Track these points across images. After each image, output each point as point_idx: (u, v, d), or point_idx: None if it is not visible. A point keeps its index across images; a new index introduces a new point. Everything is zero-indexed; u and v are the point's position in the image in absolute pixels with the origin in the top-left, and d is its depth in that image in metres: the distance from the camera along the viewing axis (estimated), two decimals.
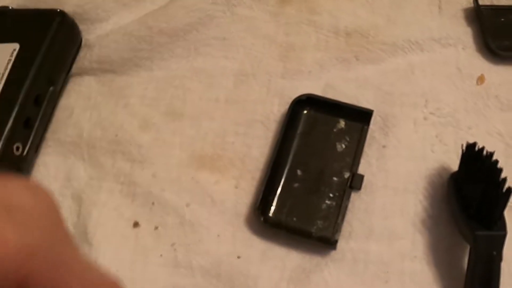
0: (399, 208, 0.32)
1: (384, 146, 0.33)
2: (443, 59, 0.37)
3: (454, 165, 0.32)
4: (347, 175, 0.31)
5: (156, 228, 0.32)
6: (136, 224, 0.33)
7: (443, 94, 0.36)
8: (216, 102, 0.36)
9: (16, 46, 0.38)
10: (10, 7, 0.42)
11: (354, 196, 0.32)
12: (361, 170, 0.32)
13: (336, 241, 0.30)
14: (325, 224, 0.30)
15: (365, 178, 0.32)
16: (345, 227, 0.31)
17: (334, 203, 0.30)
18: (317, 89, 0.37)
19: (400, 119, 0.34)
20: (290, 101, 0.34)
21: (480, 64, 0.36)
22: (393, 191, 0.32)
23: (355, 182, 0.31)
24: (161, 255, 0.32)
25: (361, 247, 0.31)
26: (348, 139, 0.32)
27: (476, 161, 0.29)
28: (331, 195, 0.31)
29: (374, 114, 0.33)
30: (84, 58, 0.40)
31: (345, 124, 0.32)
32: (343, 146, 0.32)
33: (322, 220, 0.30)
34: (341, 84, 0.36)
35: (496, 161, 0.28)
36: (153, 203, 0.34)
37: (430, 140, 0.34)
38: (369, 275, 0.31)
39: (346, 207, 0.30)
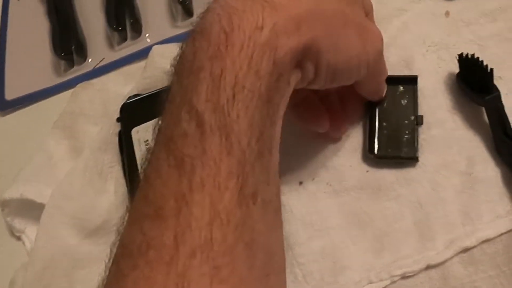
0: (439, 100, 0.49)
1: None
2: (421, 11, 0.54)
3: (456, 69, 0.49)
4: (413, 117, 0.48)
5: None
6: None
7: (430, 31, 0.53)
8: None
9: None
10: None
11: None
12: None
13: (417, 157, 0.47)
14: (409, 149, 0.47)
15: None
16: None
17: (410, 136, 0.48)
18: None
19: (415, 56, 0.51)
20: None
21: (443, 4, 0.54)
22: (431, 93, 0.50)
23: (419, 120, 0.48)
24: None
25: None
26: (407, 96, 0.49)
27: (467, 61, 0.47)
28: (407, 132, 0.48)
29: (399, 58, 0.52)
30: None
31: (403, 88, 0.49)
32: (406, 101, 0.49)
33: (406, 147, 0.48)
34: None
35: (476, 57, 0.46)
36: None
37: (435, 61, 0.51)
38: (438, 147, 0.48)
39: (417, 136, 0.48)
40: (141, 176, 0.32)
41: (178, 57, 0.33)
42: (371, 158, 0.49)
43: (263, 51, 0.31)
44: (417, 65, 0.52)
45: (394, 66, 0.51)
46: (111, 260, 0.31)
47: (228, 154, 0.29)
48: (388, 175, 0.49)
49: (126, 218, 0.31)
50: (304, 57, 0.34)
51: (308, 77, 0.36)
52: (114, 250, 0.31)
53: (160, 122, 0.32)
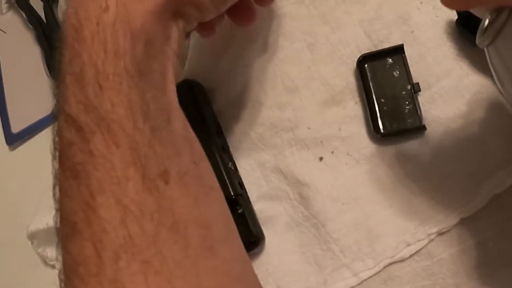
0: (443, 50, 0.48)
1: (412, 31, 0.49)
2: None
3: (454, 16, 0.47)
4: (409, 87, 0.47)
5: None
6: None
7: None
8: None
9: None
10: None
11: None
12: None
13: (424, 125, 0.46)
14: (413, 119, 0.47)
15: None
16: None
17: (411, 106, 0.47)
18: None
19: (410, 10, 0.50)
20: None
21: None
22: (434, 45, 0.48)
23: (416, 88, 0.47)
24: None
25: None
26: (397, 66, 0.48)
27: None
28: (407, 103, 0.47)
29: (395, 16, 0.50)
30: None
31: (392, 60, 0.48)
32: (397, 72, 0.48)
33: (410, 118, 0.47)
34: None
35: None
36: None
37: (432, 12, 0.49)
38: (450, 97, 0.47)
39: (418, 104, 0.46)
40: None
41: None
42: (378, 138, 0.48)
43: (115, 29, 0.29)
44: (414, 19, 0.50)
45: (391, 24, 0.50)
46: None
47: (117, 145, 0.28)
48: None
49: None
50: (176, 5, 0.32)
51: (195, 19, 0.35)
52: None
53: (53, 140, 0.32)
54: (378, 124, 0.48)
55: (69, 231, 0.28)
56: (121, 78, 0.29)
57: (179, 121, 0.32)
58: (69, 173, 0.29)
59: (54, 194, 0.31)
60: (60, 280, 0.30)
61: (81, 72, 0.29)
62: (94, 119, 0.28)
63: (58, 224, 0.31)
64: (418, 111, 0.47)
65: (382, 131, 0.48)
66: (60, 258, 0.30)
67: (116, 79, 0.29)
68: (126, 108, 0.29)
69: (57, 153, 0.31)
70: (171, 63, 0.33)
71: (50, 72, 0.64)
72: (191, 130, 0.34)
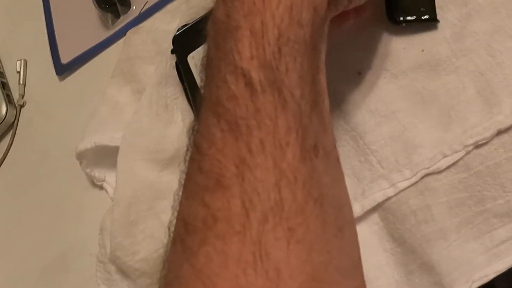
0: None
1: None
2: None
3: None
4: None
5: None
6: None
7: None
8: None
9: None
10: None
11: None
12: None
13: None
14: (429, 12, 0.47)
15: None
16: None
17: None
18: None
19: None
20: None
21: None
22: None
23: None
24: None
25: None
26: None
27: None
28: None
29: None
30: None
31: None
32: None
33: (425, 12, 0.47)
34: None
35: None
36: None
37: None
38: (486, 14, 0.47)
39: None
40: (191, 147, 0.30)
41: (210, 22, 0.31)
42: (393, 28, 0.49)
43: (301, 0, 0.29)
44: None
45: None
46: (172, 240, 0.30)
47: (283, 109, 0.28)
48: (443, 50, 0.49)
49: (181, 193, 0.30)
50: None
51: (343, 6, 0.35)
52: (173, 229, 0.30)
53: (202, 90, 0.31)
54: (392, 11, 0.49)
55: (211, 183, 0.27)
56: (299, 46, 0.29)
57: (327, 102, 0.32)
58: (225, 125, 0.28)
59: (192, 140, 0.31)
60: (171, 230, 0.30)
61: (261, 29, 0.28)
62: (268, 78, 0.28)
63: (187, 163, 0.30)
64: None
65: (397, 18, 0.49)
66: (176, 204, 0.30)
67: (295, 46, 0.29)
68: (298, 76, 0.29)
69: (201, 102, 0.30)
70: (325, 46, 0.33)
71: (97, 3, 0.66)
72: None
